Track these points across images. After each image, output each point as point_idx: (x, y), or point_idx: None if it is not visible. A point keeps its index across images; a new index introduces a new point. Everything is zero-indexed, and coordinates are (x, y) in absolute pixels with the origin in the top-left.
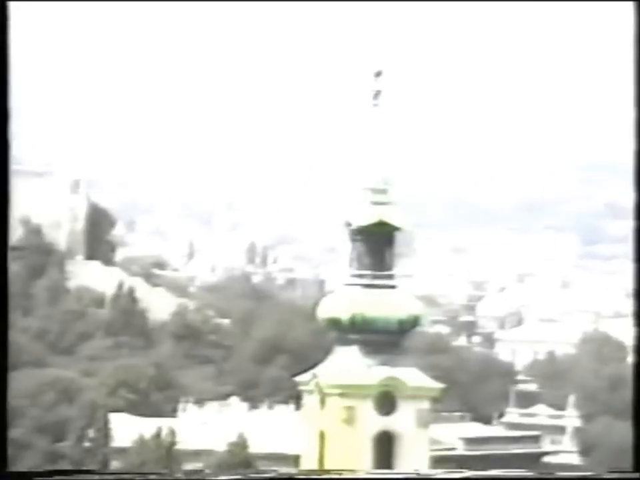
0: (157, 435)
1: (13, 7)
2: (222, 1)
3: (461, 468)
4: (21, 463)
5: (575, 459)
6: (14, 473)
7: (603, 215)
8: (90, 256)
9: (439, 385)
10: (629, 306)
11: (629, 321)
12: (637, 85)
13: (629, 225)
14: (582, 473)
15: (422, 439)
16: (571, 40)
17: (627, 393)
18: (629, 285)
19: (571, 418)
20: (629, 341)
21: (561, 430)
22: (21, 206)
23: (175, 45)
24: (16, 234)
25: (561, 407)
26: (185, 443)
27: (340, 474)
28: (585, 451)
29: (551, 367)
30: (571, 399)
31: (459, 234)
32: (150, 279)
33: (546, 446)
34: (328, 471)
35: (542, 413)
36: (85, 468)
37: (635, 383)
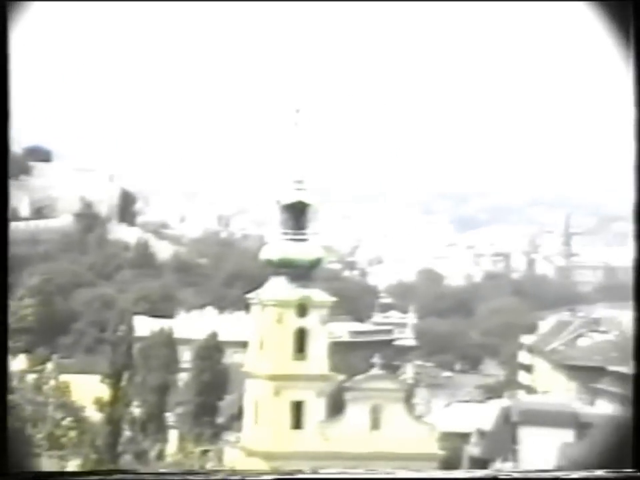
0: (162, 329)
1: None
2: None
3: (346, 350)
4: (79, 346)
5: (411, 342)
6: (16, 473)
7: (433, 196)
8: (121, 220)
9: (333, 299)
10: (446, 252)
11: (447, 261)
12: (636, 85)
13: (444, 202)
14: (582, 473)
15: (323, 332)
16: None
17: (445, 303)
18: (448, 238)
19: (411, 318)
20: (445, 273)
21: (404, 325)
22: (79, 190)
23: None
24: (76, 206)
25: (405, 311)
26: (179, 334)
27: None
28: (418, 337)
29: (400, 288)
30: (411, 307)
31: (347, 208)
32: (158, 234)
33: (395, 335)
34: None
35: (394, 316)
36: (118, 350)
37: (635, 380)
